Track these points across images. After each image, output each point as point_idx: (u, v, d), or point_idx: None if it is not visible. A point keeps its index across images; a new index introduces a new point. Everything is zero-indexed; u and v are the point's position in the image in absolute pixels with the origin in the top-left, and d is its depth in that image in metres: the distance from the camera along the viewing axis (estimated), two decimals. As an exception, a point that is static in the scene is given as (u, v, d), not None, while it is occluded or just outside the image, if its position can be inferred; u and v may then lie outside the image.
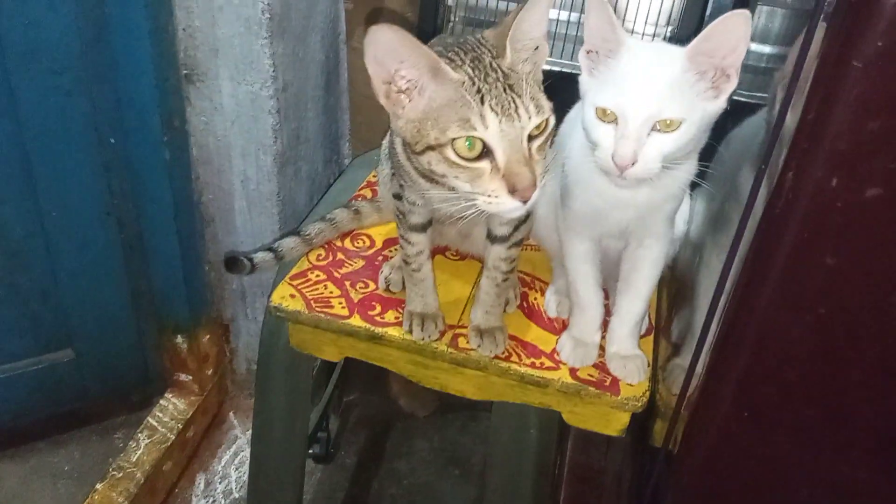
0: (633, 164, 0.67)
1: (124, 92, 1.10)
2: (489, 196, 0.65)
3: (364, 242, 1.02)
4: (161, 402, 1.37)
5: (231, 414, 1.45)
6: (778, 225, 0.56)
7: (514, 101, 0.64)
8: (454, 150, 0.64)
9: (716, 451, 0.70)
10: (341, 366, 1.41)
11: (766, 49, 1.04)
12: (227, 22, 1.08)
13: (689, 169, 0.74)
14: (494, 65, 0.65)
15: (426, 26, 1.18)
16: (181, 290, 1.27)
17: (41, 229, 1.16)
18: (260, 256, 0.96)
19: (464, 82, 0.64)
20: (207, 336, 1.35)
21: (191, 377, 1.36)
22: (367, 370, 1.56)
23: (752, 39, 0.99)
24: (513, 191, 0.64)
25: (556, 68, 1.08)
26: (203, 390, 1.38)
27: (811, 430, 0.64)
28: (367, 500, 1.39)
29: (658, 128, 0.67)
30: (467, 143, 0.64)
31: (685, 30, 1.04)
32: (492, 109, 0.63)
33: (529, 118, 0.64)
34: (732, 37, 0.64)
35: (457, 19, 1.20)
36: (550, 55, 1.20)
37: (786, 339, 0.60)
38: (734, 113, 0.74)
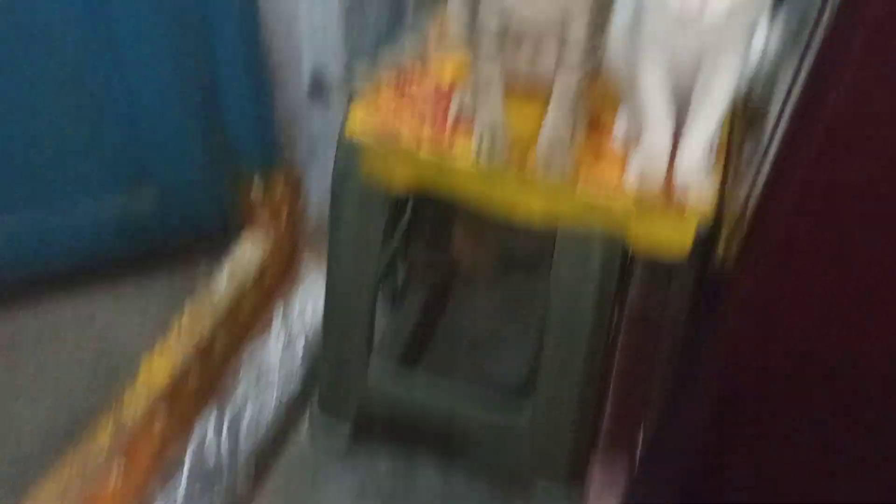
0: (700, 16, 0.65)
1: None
2: None
3: (434, 71, 1.02)
4: (238, 247, 1.45)
5: (305, 257, 1.52)
6: (848, 31, 0.54)
7: None
8: None
9: (771, 267, 0.70)
10: (408, 220, 1.45)
11: None
12: None
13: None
14: None
15: None
16: (254, 132, 1.31)
17: (120, 70, 1.20)
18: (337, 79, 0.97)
19: None
20: (280, 181, 1.40)
21: (266, 221, 1.43)
22: (433, 226, 1.62)
23: None
24: None
25: None
26: (278, 237, 1.45)
27: (871, 238, 0.63)
28: (431, 342, 1.47)
29: None
30: None
31: None
32: None
33: None
34: None
35: None
36: None
37: (852, 147, 0.59)
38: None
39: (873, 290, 0.66)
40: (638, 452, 1.09)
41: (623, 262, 0.97)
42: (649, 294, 1.27)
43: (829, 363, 0.73)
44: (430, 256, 1.61)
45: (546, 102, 0.89)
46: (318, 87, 0.96)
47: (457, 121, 0.94)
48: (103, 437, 1.14)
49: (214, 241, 1.47)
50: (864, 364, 0.72)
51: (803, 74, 0.64)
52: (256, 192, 1.39)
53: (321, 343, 1.24)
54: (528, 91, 0.98)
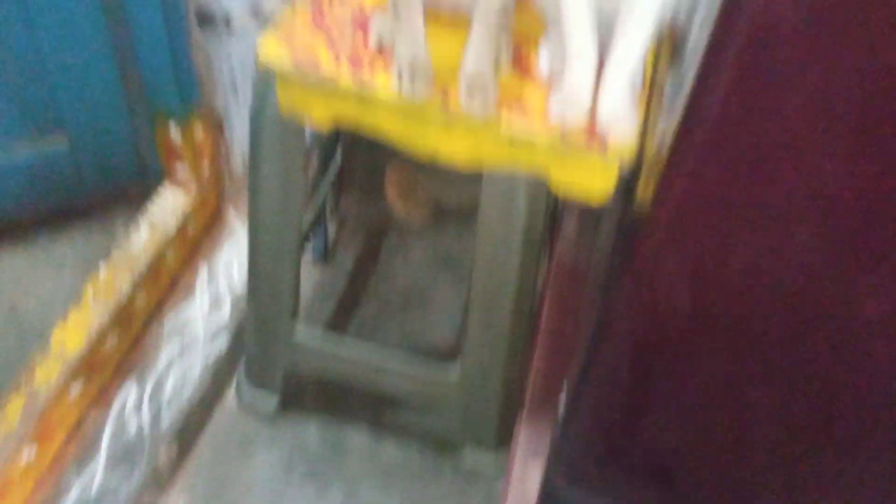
0: None
1: None
2: None
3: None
4: (159, 195, 1.38)
5: (231, 209, 1.46)
6: None
7: None
8: None
9: (685, 201, 0.69)
10: (337, 168, 1.41)
11: None
12: None
13: None
14: None
15: None
16: (170, 73, 1.24)
17: (26, 8, 1.12)
18: (237, 11, 0.91)
19: None
20: (201, 128, 1.34)
21: (187, 170, 1.37)
22: (363, 177, 1.58)
23: None
24: None
25: None
26: (200, 184, 1.39)
27: (779, 179, 0.63)
28: (362, 300, 1.44)
29: None
30: None
31: None
32: None
33: None
34: None
35: None
36: None
37: (760, 85, 0.58)
38: None
39: (788, 223, 0.67)
40: (560, 409, 1.09)
41: (550, 210, 0.95)
42: (577, 247, 1.27)
43: (745, 305, 0.73)
44: (361, 208, 1.58)
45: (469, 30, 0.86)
46: (204, 17, 0.90)
47: (377, 48, 0.90)
48: (12, 411, 1.07)
49: (132, 192, 1.39)
50: (781, 304, 0.72)
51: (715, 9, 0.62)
52: (175, 138, 1.32)
53: (246, 302, 1.20)
54: (453, 18, 0.95)
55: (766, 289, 0.71)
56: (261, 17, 0.93)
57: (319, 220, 1.40)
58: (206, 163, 1.38)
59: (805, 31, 0.56)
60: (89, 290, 1.23)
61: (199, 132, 1.34)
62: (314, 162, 1.35)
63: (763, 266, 0.70)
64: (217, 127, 1.38)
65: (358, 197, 1.58)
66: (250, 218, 1.09)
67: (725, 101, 0.62)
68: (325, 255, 1.49)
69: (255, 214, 1.08)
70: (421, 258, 1.52)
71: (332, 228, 1.52)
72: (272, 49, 0.89)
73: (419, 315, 1.42)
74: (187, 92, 1.28)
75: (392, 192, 1.53)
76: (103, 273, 1.25)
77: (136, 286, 1.26)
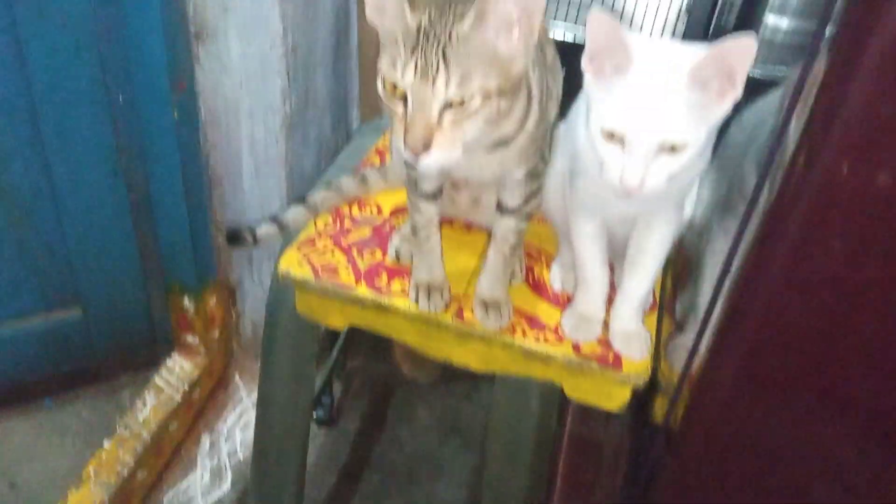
0: (640, 188, 0.66)
1: (133, 50, 1.09)
2: (395, 136, 0.68)
3: (371, 211, 1.02)
4: (167, 362, 1.39)
5: (236, 376, 1.46)
6: (787, 208, 0.56)
7: (438, 67, 0.64)
8: (383, 82, 0.67)
9: (715, 428, 0.71)
10: (346, 332, 1.42)
11: (784, 23, 1.02)
12: (238, -20, 1.07)
13: (699, 165, 0.72)
14: (448, 25, 0.64)
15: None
16: (188, 251, 1.27)
17: (49, 186, 1.16)
18: (263, 229, 0.96)
19: (409, 29, 0.65)
20: (214, 298, 1.36)
21: (197, 339, 1.37)
22: (371, 337, 1.58)
23: (771, 11, 0.97)
24: (405, 143, 0.66)
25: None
26: (209, 352, 1.39)
27: (810, 413, 0.64)
28: (368, 465, 1.41)
29: (665, 149, 0.66)
30: (392, 82, 0.66)
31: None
32: (415, 65, 0.64)
33: (446, 88, 0.64)
34: (738, 59, 0.62)
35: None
36: (565, 19, 1.17)
37: (789, 321, 0.60)
38: (748, 91, 0.72)
39: (817, 446, 0.67)
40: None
41: (562, 401, 0.95)
42: (589, 423, 1.25)
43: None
44: (368, 368, 1.57)
45: (485, 244, 0.89)
46: (235, 237, 0.93)
47: (394, 264, 0.92)
48: None
49: (141, 358, 1.40)
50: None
51: (743, 247, 0.65)
52: (188, 308, 1.34)
53: (250, 469, 1.17)
54: (467, 226, 0.99)
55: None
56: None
57: (326, 384, 1.40)
58: (216, 331, 1.39)
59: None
60: (91, 469, 1.21)
61: (212, 302, 1.36)
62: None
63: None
64: (229, 296, 1.40)
65: (365, 357, 1.58)
66: (260, 393, 1.09)
67: (753, 339, 0.63)
68: (330, 418, 1.47)
69: (265, 392, 1.08)
70: (428, 421, 1.50)
71: (337, 390, 1.50)
72: (293, 262, 0.91)
73: (426, 486, 1.39)
74: (204, 268, 1.31)
75: (399, 352, 1.53)
76: (107, 449, 1.24)
77: (139, 461, 1.24)
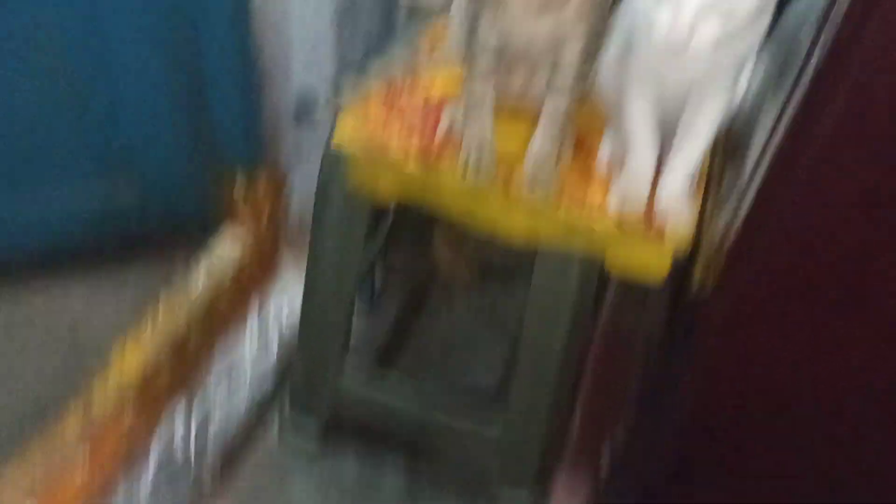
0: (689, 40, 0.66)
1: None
2: None
3: (425, 85, 1.03)
4: (218, 240, 1.44)
5: (286, 255, 1.52)
6: (837, 71, 0.56)
7: None
8: None
9: (745, 297, 0.73)
10: (390, 224, 1.46)
11: None
12: None
13: (750, 37, 0.72)
14: None
15: None
16: (240, 132, 1.31)
17: (105, 63, 1.20)
18: (323, 100, 0.97)
19: None
20: (264, 182, 1.40)
21: (248, 219, 1.43)
22: (414, 234, 1.62)
23: None
24: None
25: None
26: (259, 233, 1.45)
27: (841, 294, 0.66)
28: (405, 350, 1.47)
29: (716, 9, 0.65)
30: None
31: None
32: None
33: None
34: None
35: None
36: None
37: (828, 198, 0.61)
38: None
39: (845, 320, 0.69)
40: (603, 463, 1.11)
41: (600, 282, 0.99)
42: (624, 310, 1.29)
43: (799, 387, 0.75)
44: (409, 261, 1.62)
45: (534, 123, 0.90)
46: (304, 110, 0.96)
47: (446, 136, 0.95)
48: (71, 428, 1.14)
49: (193, 235, 1.45)
50: (832, 389, 0.74)
51: (789, 114, 0.66)
52: (239, 190, 1.38)
53: (296, 344, 1.24)
54: (517, 110, 1.00)
55: (824, 382, 0.73)
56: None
57: (369, 269, 1.45)
58: (265, 214, 1.44)
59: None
60: (147, 323, 1.29)
61: (262, 184, 1.40)
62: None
63: (823, 357, 0.72)
64: (279, 181, 1.44)
65: (406, 249, 1.63)
66: (309, 270, 1.14)
67: (790, 208, 0.65)
68: (371, 304, 1.52)
69: (313, 270, 1.13)
70: (464, 310, 1.55)
71: (379, 277, 1.56)
72: (346, 130, 0.94)
73: (462, 361, 1.45)
74: (254, 150, 1.35)
75: (440, 249, 1.57)
76: (161, 310, 1.32)
77: (191, 326, 1.32)
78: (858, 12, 0.55)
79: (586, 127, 0.99)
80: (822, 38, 0.61)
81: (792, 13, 0.79)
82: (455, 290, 1.59)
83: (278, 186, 1.44)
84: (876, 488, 0.78)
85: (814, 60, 0.63)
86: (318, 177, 1.04)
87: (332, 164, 0.99)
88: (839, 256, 0.65)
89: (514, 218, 0.91)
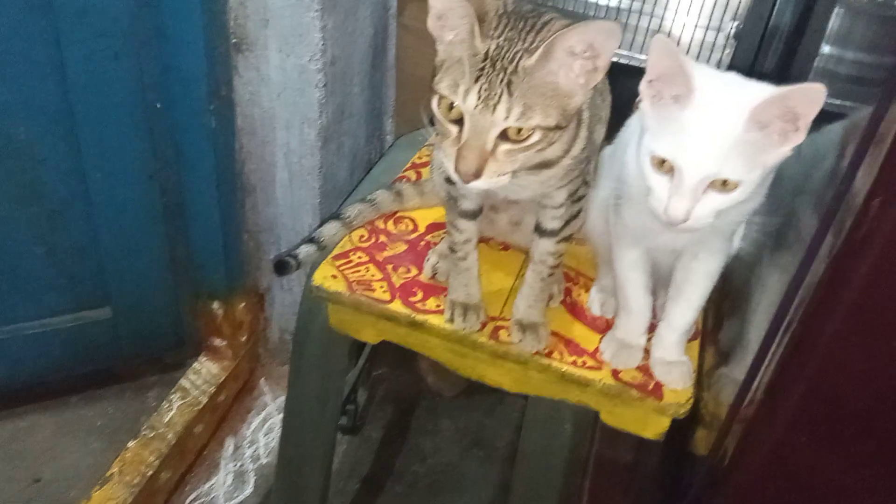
0: (685, 220, 0.65)
1: (172, 58, 1.09)
2: (444, 156, 0.68)
3: (407, 226, 1.01)
4: (194, 365, 1.39)
5: (262, 381, 1.46)
6: (856, 255, 0.54)
7: (501, 97, 0.63)
8: (439, 101, 0.67)
9: (769, 470, 0.69)
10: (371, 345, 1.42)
11: (849, 55, 0.99)
12: (279, -8, 1.06)
13: (752, 203, 0.70)
14: (517, 57, 0.64)
15: None
16: (219, 257, 1.28)
17: (83, 190, 1.16)
18: (304, 251, 0.95)
19: (477, 54, 0.64)
20: (243, 304, 1.36)
21: (224, 343, 1.38)
22: (397, 347, 1.58)
23: (827, 42, 0.95)
24: (456, 168, 0.66)
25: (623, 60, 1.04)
26: (236, 356, 1.40)
27: (869, 463, 0.63)
28: (390, 475, 1.40)
29: (716, 185, 0.64)
30: (449, 103, 0.66)
31: (750, 24, 1.00)
32: (478, 91, 0.64)
33: (506, 118, 0.64)
34: (805, 105, 0.61)
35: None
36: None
37: (853, 367, 0.58)
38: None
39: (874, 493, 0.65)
40: None
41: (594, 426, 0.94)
42: (619, 444, 1.24)
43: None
44: (393, 378, 1.57)
45: (523, 264, 0.88)
46: (281, 267, 0.93)
47: (429, 281, 0.92)
48: None
49: (168, 360, 1.40)
50: None
51: (802, 299, 0.64)
52: (217, 314, 1.34)
53: (273, 482, 1.18)
54: (506, 244, 0.98)
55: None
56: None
57: (351, 392, 1.39)
58: (243, 336, 1.39)
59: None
60: (115, 468, 1.21)
61: (240, 308, 1.36)
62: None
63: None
64: (258, 302, 1.40)
65: (390, 366, 1.58)
66: (288, 403, 1.09)
67: (813, 386, 0.62)
68: (354, 426, 1.46)
69: (293, 401, 1.08)
70: (451, 433, 1.49)
71: (361, 398, 1.50)
72: (327, 275, 0.91)
73: (447, 498, 1.38)
74: (233, 273, 1.31)
75: (425, 363, 1.52)
76: (131, 449, 1.24)
77: (163, 462, 1.24)
78: (882, 199, 0.53)
79: (573, 267, 0.97)
80: (836, 219, 0.59)
81: (785, 173, 0.78)
82: (440, 408, 1.53)
83: (257, 308, 1.40)
84: None
85: (827, 241, 0.61)
86: (297, 317, 1.00)
87: (312, 306, 0.96)
88: (869, 427, 0.62)
89: (502, 367, 0.87)
